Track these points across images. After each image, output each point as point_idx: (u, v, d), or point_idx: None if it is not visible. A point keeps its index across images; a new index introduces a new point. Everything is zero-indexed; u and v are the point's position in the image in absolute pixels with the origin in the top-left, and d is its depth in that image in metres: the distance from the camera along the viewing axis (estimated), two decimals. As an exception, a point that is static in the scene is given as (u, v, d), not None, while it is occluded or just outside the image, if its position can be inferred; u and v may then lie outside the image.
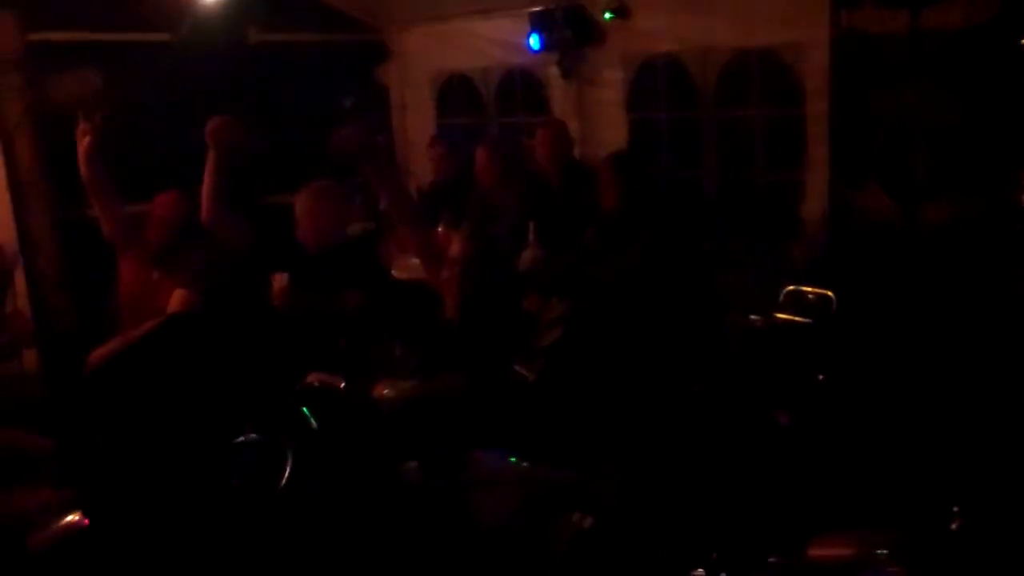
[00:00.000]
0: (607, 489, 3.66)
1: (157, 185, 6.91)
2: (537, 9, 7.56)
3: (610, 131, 7.42)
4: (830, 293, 5.28)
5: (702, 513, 3.67)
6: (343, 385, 3.91)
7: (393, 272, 6.69)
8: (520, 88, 8.36)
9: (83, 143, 5.96)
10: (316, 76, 8.76)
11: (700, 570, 3.22)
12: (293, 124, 8.38)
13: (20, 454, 4.69)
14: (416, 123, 9.23)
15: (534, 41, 7.39)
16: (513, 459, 4.08)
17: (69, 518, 4.11)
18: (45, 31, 7.88)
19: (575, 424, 4.37)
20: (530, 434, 4.28)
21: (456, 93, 8.90)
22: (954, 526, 3.00)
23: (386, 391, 4.83)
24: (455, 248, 5.27)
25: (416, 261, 6.45)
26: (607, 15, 7.27)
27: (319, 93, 8.74)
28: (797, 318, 5.29)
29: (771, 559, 3.19)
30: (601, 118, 7.26)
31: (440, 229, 6.62)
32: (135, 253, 6.25)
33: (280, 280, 5.70)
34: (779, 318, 5.37)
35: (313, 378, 4.09)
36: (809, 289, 5.39)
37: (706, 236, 5.82)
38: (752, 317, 5.40)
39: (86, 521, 4.08)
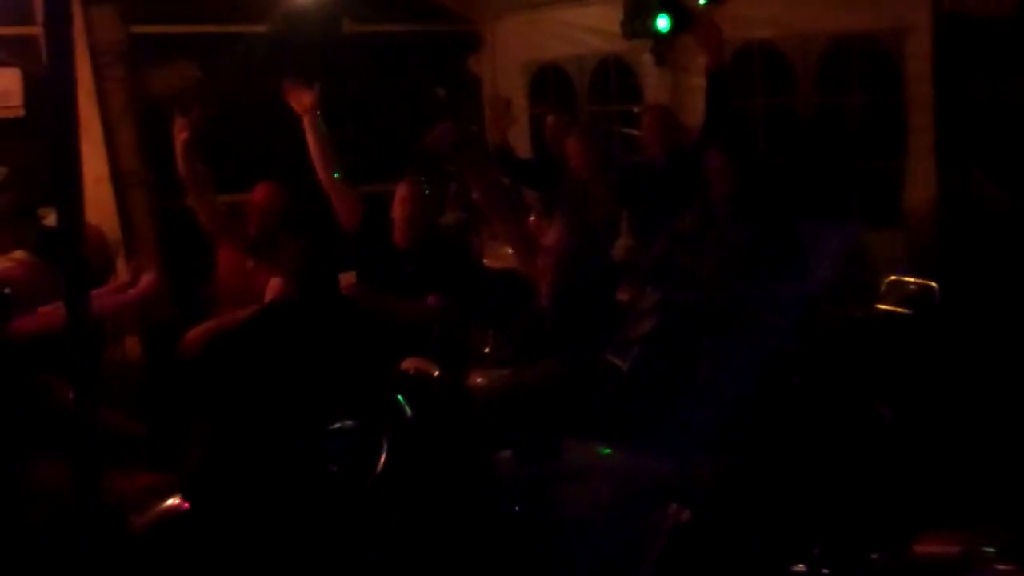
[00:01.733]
0: (703, 481, 3.61)
1: (253, 176, 7.01)
2: (632, -5, 7.48)
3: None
4: (933, 284, 5.13)
5: (802, 508, 3.60)
6: (437, 373, 3.91)
7: (486, 261, 6.70)
8: (614, 76, 8.29)
9: (180, 138, 6.05)
10: (409, 66, 8.80)
11: (801, 565, 3.16)
12: (386, 114, 8.43)
13: (116, 437, 4.78)
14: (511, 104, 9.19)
15: (664, 23, 7.27)
16: (606, 450, 4.05)
17: (169, 501, 4.19)
18: (146, 24, 8.02)
19: (669, 415, 4.31)
20: (623, 424, 4.24)
21: (548, 82, 8.86)
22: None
23: (479, 380, 4.84)
24: (550, 237, 5.24)
25: (510, 250, 6.45)
26: (702, 1, 7.16)
27: (412, 83, 8.77)
28: (899, 309, 5.15)
29: (874, 555, 3.11)
30: (696, 106, 7.13)
31: (532, 218, 6.61)
32: (231, 242, 6.34)
33: (347, 279, 5.77)
34: (880, 309, 5.24)
35: (408, 365, 4.10)
36: (911, 279, 5.24)
37: (804, 224, 5.70)
38: (852, 308, 5.29)
39: (185, 504, 4.15)
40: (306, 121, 5.97)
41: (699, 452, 3.93)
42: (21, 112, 7.96)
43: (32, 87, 7.85)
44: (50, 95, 2.73)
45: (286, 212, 6.20)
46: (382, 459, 3.51)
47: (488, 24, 9.18)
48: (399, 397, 3.73)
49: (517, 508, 3.69)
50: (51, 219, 6.75)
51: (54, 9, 2.72)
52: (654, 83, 7.78)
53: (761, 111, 7.29)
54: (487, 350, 5.60)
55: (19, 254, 5.85)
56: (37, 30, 7.56)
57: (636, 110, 7.79)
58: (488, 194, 5.51)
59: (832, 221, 6.09)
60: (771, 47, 7.10)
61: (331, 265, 5.36)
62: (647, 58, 7.71)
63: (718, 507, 3.47)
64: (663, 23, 7.32)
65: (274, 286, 5.77)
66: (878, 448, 4.12)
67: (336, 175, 5.96)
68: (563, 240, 5.06)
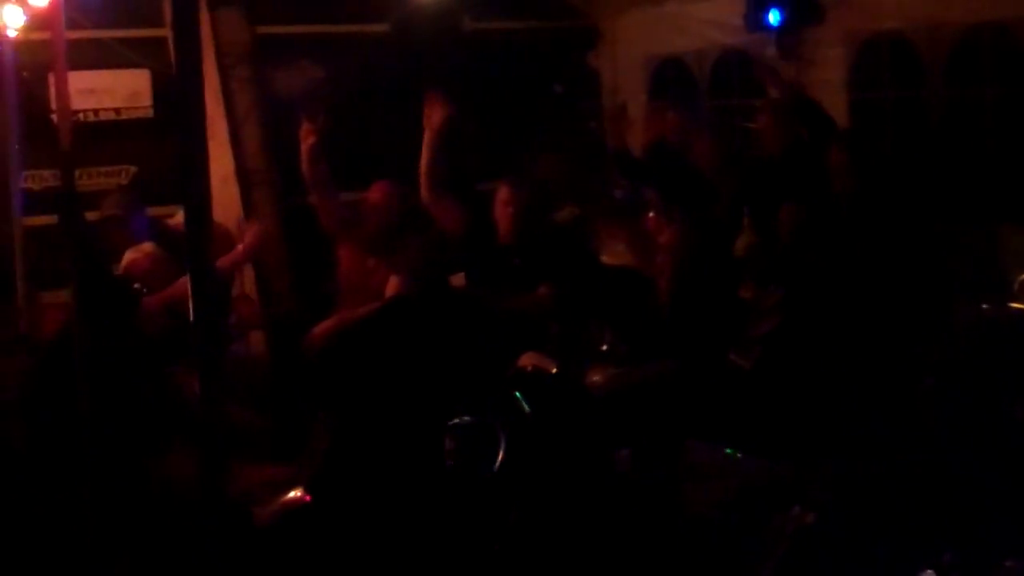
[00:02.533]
0: (827, 484, 3.53)
1: (377, 174, 7.08)
2: (754, -12, 7.36)
3: (832, 112, 7.15)
4: (1069, 281, 4.94)
5: (933, 512, 3.49)
6: (555, 370, 3.90)
7: (604, 258, 6.65)
8: (736, 70, 8.16)
9: (307, 143, 6.11)
10: (528, 63, 8.80)
11: (930, 571, 3.07)
12: (505, 111, 8.44)
13: (241, 431, 4.87)
14: (628, 108, 9.13)
15: (773, 16, 7.16)
16: (728, 450, 3.99)
17: (292, 494, 4.26)
18: (270, 25, 8.17)
19: (792, 416, 4.22)
20: (745, 425, 4.17)
21: (669, 77, 8.77)
22: None
23: (597, 377, 4.81)
24: (667, 235, 5.18)
25: (625, 246, 6.41)
26: (821, -8, 7.03)
27: (531, 80, 8.77)
28: (1033, 307, 4.97)
29: (1007, 563, 3.00)
30: (821, 99, 6.98)
31: (651, 215, 6.54)
32: (352, 240, 6.39)
33: (455, 280, 5.79)
34: (1014, 307, 5.06)
35: (526, 361, 4.10)
36: (1047, 277, 5.06)
37: (936, 220, 5.53)
38: (984, 306, 5.11)
39: (307, 497, 4.21)
40: (428, 135, 5.98)
41: (823, 454, 3.85)
42: (150, 113, 8.19)
43: (161, 88, 8.06)
44: (178, 96, 2.78)
45: (403, 210, 6.24)
46: (500, 455, 3.52)
47: (608, 19, 9.12)
48: (517, 394, 3.73)
49: (635, 508, 3.66)
50: (178, 218, 6.93)
51: (182, 11, 2.77)
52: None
53: (890, 104, 7.10)
54: (605, 347, 5.56)
55: (147, 246, 6.01)
56: (165, 32, 7.76)
57: (759, 105, 7.66)
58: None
59: (964, 217, 5.91)
60: (900, 38, 6.91)
61: (447, 263, 5.39)
62: (771, 51, 7.57)
63: (843, 511, 3.38)
64: (773, 17, 7.20)
65: (394, 283, 5.83)
66: (1012, 450, 3.97)
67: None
68: (680, 238, 5.00)
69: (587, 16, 9.15)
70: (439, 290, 5.34)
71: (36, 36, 6.84)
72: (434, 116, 5.93)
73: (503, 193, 5.91)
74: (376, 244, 6.13)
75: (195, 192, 2.76)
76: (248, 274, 7.77)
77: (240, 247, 5.80)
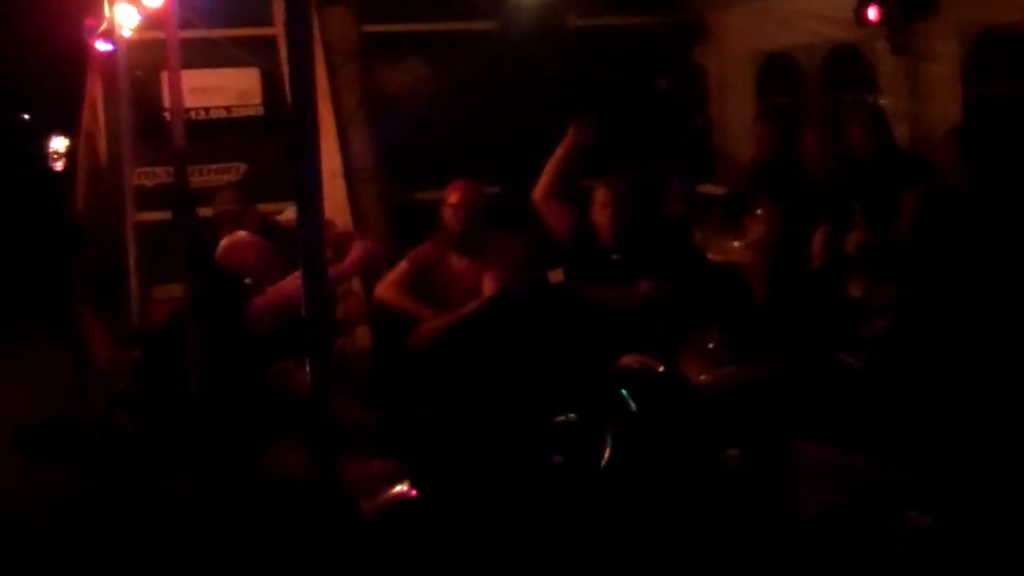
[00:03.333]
0: (944, 488, 3.44)
1: (478, 172, 7.10)
2: (865, -18, 7.21)
3: (944, 108, 6.96)
4: None
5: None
6: (662, 369, 3.87)
7: (710, 255, 6.58)
8: (846, 65, 8.01)
9: (568, 144, 6.03)
10: (633, 59, 8.75)
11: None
12: (610, 108, 8.41)
13: (349, 425, 4.92)
14: (734, 103, 9.02)
15: (871, 12, 7.01)
16: (836, 451, 3.91)
17: (397, 488, 4.29)
18: (377, 23, 8.25)
19: (904, 417, 4.12)
20: (856, 426, 4.08)
21: (777, 72, 8.64)
22: None
23: (702, 376, 4.75)
24: (756, 232, 5.12)
25: (734, 244, 6.33)
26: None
27: (636, 76, 8.72)
28: None
29: None
30: (934, 94, 6.83)
31: (760, 211, 6.46)
32: (441, 240, 6.37)
33: (554, 276, 5.76)
34: None
35: (629, 360, 4.08)
36: None
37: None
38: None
39: (413, 492, 4.24)
40: (565, 148, 5.97)
41: (936, 456, 3.76)
42: (260, 111, 8.33)
43: (270, 86, 8.19)
44: (291, 94, 2.82)
45: (482, 208, 6.23)
46: (606, 453, 3.50)
47: (714, 14, 9.02)
48: (624, 392, 3.71)
49: (743, 508, 3.61)
50: (288, 214, 7.03)
51: (294, 11, 2.81)
52: (890, 72, 7.47)
53: (1006, 99, 6.89)
54: (710, 346, 5.50)
55: (242, 234, 6.07)
56: (275, 31, 7.88)
57: (871, 100, 7.51)
58: None
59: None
60: (1018, 31, 6.71)
61: (545, 261, 5.39)
62: (883, 46, 7.41)
63: (961, 515, 3.29)
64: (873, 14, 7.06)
65: (490, 280, 5.85)
66: None
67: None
68: (769, 236, 4.93)
69: (693, 11, 9.05)
70: (539, 287, 5.35)
71: (148, 36, 7.02)
72: (580, 135, 5.93)
73: (600, 195, 5.89)
74: (462, 243, 6.16)
75: (307, 189, 2.80)
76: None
77: (348, 260, 5.85)
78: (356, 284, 7.65)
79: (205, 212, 6.58)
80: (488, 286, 5.91)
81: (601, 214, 5.85)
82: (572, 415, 3.68)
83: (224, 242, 5.70)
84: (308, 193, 2.80)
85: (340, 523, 2.95)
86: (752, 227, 5.41)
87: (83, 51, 8.95)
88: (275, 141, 8.04)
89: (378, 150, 8.13)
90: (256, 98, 8.30)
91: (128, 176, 7.43)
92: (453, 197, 6.14)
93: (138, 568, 4.73)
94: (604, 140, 6.20)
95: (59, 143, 20.28)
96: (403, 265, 6.26)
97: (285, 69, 7.86)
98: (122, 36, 7.08)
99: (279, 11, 7.77)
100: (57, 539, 5.12)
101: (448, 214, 6.14)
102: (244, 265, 5.54)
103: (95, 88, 8.56)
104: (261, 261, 5.59)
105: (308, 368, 2.82)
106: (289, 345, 5.53)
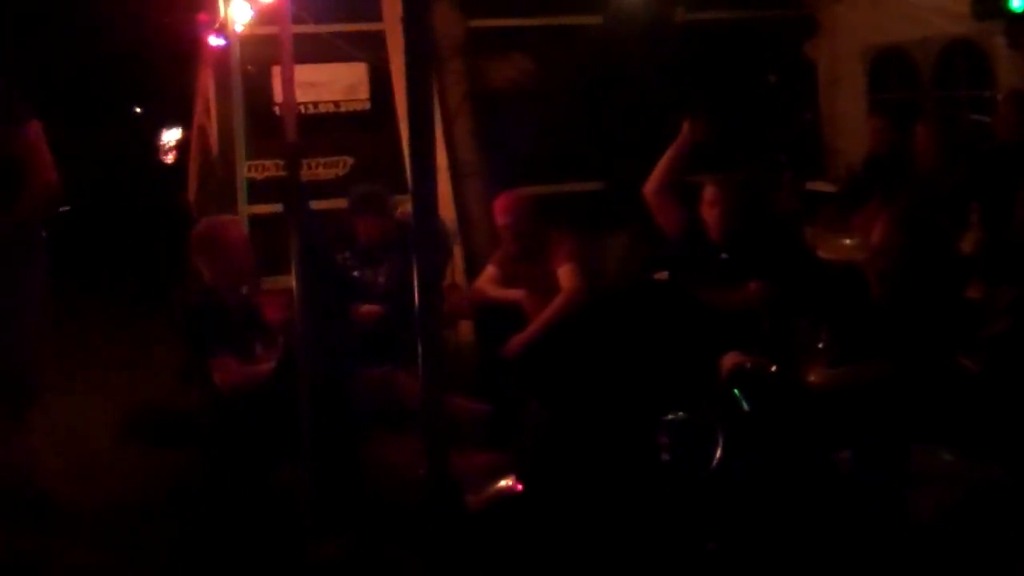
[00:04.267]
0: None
1: (580, 167, 7.11)
2: (983, -26, 7.03)
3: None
4: None
5: None
6: (774, 368, 3.81)
7: (822, 253, 6.48)
8: (961, 60, 7.82)
9: (682, 141, 6.01)
10: (742, 54, 8.65)
11: None
12: (719, 103, 8.33)
13: (458, 419, 4.94)
14: (845, 99, 8.88)
15: (1018, 2, 6.79)
16: (955, 455, 3.81)
17: (503, 482, 4.29)
18: (483, 18, 8.27)
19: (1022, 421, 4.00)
20: (974, 429, 3.97)
21: (890, 66, 8.47)
22: None
23: (813, 377, 4.66)
24: (877, 231, 5.00)
25: (847, 242, 6.21)
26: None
27: (745, 71, 8.62)
28: None
29: None
30: (1053, 90, 6.64)
31: (873, 209, 6.33)
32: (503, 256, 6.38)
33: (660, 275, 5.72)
34: None
35: (739, 359, 4.02)
36: None
37: None
38: None
39: (519, 486, 4.24)
40: (678, 145, 5.91)
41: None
42: (367, 105, 8.42)
43: (377, 81, 8.27)
44: (407, 89, 2.83)
45: (536, 215, 6.21)
46: (718, 453, 3.46)
47: (825, 8, 8.88)
48: (735, 391, 3.66)
49: (857, 512, 3.54)
50: (404, 208, 7.09)
51: (412, 7, 2.82)
52: (1008, 67, 7.27)
53: None
54: (820, 346, 5.40)
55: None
56: (383, 26, 7.95)
57: (988, 96, 7.32)
58: None
59: None
60: None
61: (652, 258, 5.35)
62: (1000, 40, 7.21)
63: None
64: (1017, 2, 6.82)
65: (566, 276, 5.85)
66: None
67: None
68: (888, 235, 4.81)
69: (803, 5, 8.93)
70: (646, 284, 5.31)
71: (259, 31, 7.14)
72: (694, 132, 5.87)
73: (709, 193, 5.81)
74: (525, 255, 6.16)
75: (423, 184, 2.81)
76: (458, 263, 7.90)
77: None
78: (460, 278, 7.70)
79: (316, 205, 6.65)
80: (565, 283, 5.90)
81: (710, 212, 5.79)
82: (682, 413, 3.64)
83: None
84: (423, 188, 2.80)
85: (447, 516, 2.96)
86: (868, 225, 5.28)
87: (196, 46, 9.16)
88: (381, 135, 8.12)
89: (483, 145, 8.15)
90: (363, 93, 8.40)
91: (239, 169, 7.55)
92: (500, 219, 6.17)
93: (245, 556, 4.81)
94: (715, 137, 6.13)
95: (170, 136, 20.75)
96: (491, 268, 6.31)
97: (392, 64, 7.99)
98: (234, 31, 7.20)
99: (387, 7, 7.85)
100: (169, 525, 5.22)
101: (502, 234, 6.18)
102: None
103: (207, 83, 8.75)
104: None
105: (419, 369, 2.81)
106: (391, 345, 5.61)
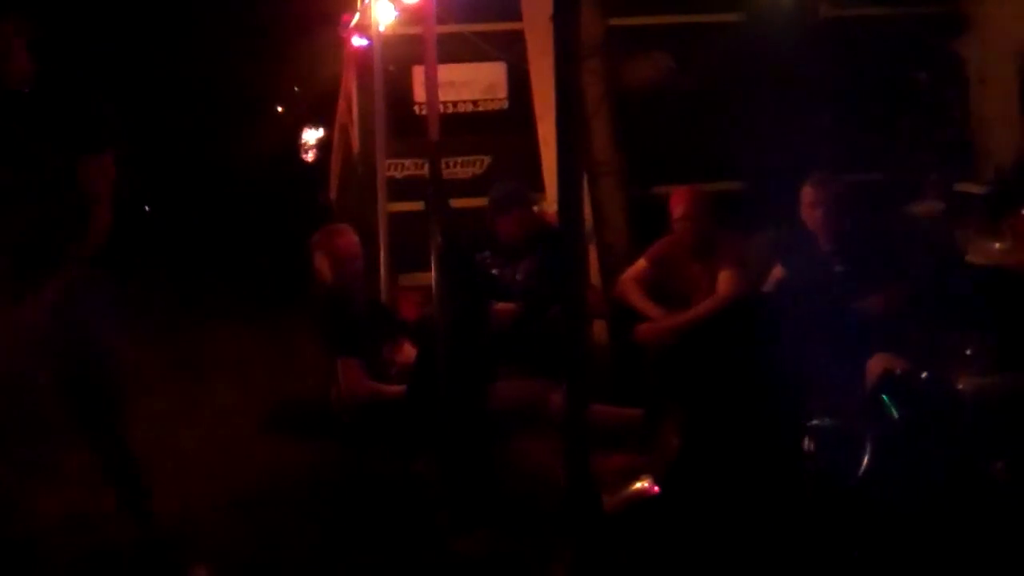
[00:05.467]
0: None
1: (719, 167, 6.97)
2: None
3: None
4: None
5: None
6: (925, 375, 3.71)
7: (969, 256, 6.29)
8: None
9: None
10: (889, 51, 8.43)
11: None
12: (865, 101, 8.15)
13: (613, 427, 4.94)
14: (995, 98, 8.57)
15: None
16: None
17: (640, 484, 4.27)
18: (622, 16, 8.23)
19: None
20: None
21: (1045, 66, 8.17)
22: None
23: (961, 385, 4.54)
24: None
25: (996, 246, 6.02)
26: None
27: (892, 69, 8.40)
28: None
29: None
30: None
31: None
32: (671, 249, 6.33)
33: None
34: None
35: (890, 364, 3.94)
36: None
37: None
38: None
39: (655, 488, 4.21)
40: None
41: None
42: (505, 104, 8.45)
43: (515, 80, 8.30)
44: (556, 89, 2.83)
45: (713, 211, 6.14)
46: (866, 462, 3.38)
47: (976, 4, 8.59)
48: (884, 397, 3.57)
49: (1012, 521, 3.42)
50: (545, 206, 7.11)
51: (562, 6, 2.82)
52: None
53: None
54: (969, 352, 5.24)
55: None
56: (522, 25, 7.97)
57: None
58: None
59: None
60: None
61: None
62: None
63: None
64: None
65: (726, 280, 5.79)
66: None
67: None
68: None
69: (953, 1, 8.66)
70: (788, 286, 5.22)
71: (400, 31, 7.23)
72: None
73: (807, 194, 5.67)
74: (694, 250, 6.09)
75: (569, 183, 2.81)
76: (593, 263, 7.88)
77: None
78: (595, 278, 7.68)
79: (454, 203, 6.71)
80: (723, 287, 5.85)
81: (810, 214, 5.64)
82: (828, 419, 3.57)
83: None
84: (570, 186, 2.81)
85: (585, 516, 2.96)
86: (1019, 228, 5.11)
87: (339, 47, 9.32)
88: (518, 135, 8.14)
89: (620, 144, 8.11)
90: (502, 92, 8.43)
91: (380, 167, 7.66)
92: (678, 210, 6.10)
93: (381, 549, 4.88)
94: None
95: (311, 135, 21.16)
96: (641, 263, 6.29)
97: (531, 63, 8.02)
98: (377, 32, 7.31)
99: (527, 6, 7.87)
100: (307, 517, 5.32)
101: (677, 226, 6.11)
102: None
103: (350, 82, 8.89)
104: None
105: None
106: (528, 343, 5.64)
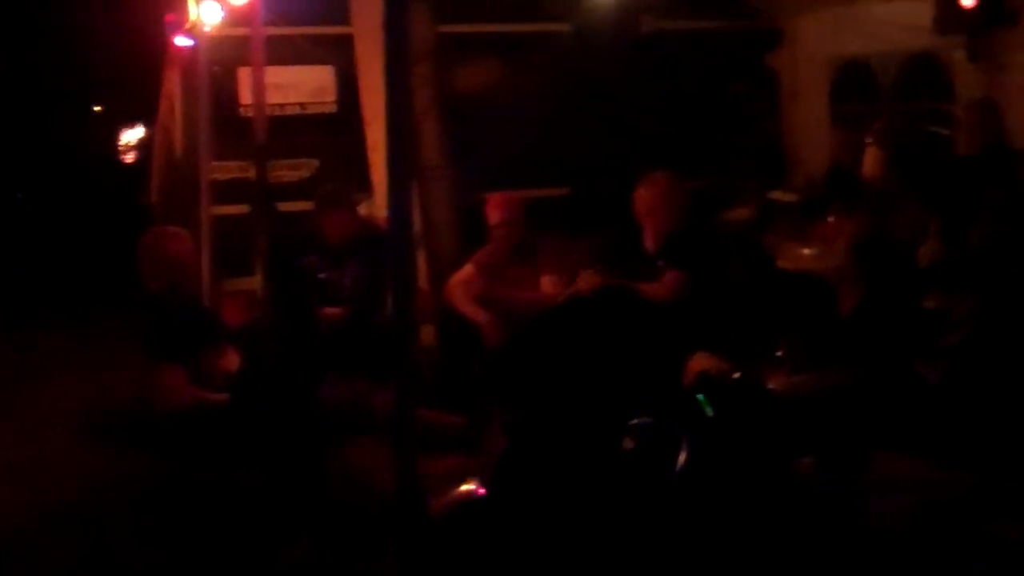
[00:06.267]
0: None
1: (548, 174, 7.12)
2: (944, -11, 7.15)
3: (1022, 116, 6.89)
4: None
5: None
6: (738, 375, 3.86)
7: (780, 262, 6.55)
8: (922, 73, 7.94)
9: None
10: (708, 63, 8.73)
11: None
12: (685, 111, 8.41)
13: (431, 431, 4.95)
14: (807, 110, 8.98)
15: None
16: (914, 462, 3.88)
17: (466, 487, 4.31)
18: (453, 23, 8.29)
19: (985, 429, 4.08)
20: (932, 437, 4.04)
21: (851, 79, 8.58)
22: None
23: (772, 384, 4.73)
24: (839, 246, 5.07)
25: (805, 252, 6.28)
26: (1027, -6, 6.75)
27: (711, 80, 8.70)
28: None
29: None
30: (1013, 104, 6.75)
31: (831, 219, 6.41)
32: (488, 256, 6.42)
33: None
34: None
35: (700, 363, 4.07)
36: None
37: None
38: None
39: (481, 491, 4.26)
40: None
41: (1018, 468, 3.72)
42: (333, 108, 8.41)
43: (344, 84, 8.26)
44: (386, 92, 2.84)
45: (523, 217, 6.27)
46: (683, 458, 3.50)
47: (790, 20, 8.98)
48: (700, 396, 3.70)
49: (816, 517, 3.59)
50: (374, 210, 7.10)
51: (392, 11, 2.84)
52: (967, 80, 7.40)
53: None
54: (779, 353, 5.47)
55: None
56: (351, 29, 7.95)
57: (946, 109, 7.45)
58: None
59: None
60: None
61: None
62: (960, 55, 7.33)
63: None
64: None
65: (547, 284, 5.91)
66: None
67: None
68: (848, 251, 4.89)
69: (768, 16, 9.02)
70: (613, 289, 5.35)
71: (226, 32, 7.11)
72: None
73: (639, 195, 5.84)
74: (515, 255, 6.20)
75: (398, 186, 2.82)
76: (421, 267, 7.90)
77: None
78: (424, 282, 7.70)
79: (282, 207, 6.64)
80: (546, 290, 5.96)
81: (641, 215, 5.80)
82: (647, 418, 3.68)
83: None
84: (399, 191, 2.82)
85: (411, 520, 2.97)
86: (831, 234, 5.36)
87: (161, 46, 9.10)
88: (347, 138, 8.11)
89: (450, 150, 8.17)
90: (330, 96, 8.39)
91: (204, 169, 7.52)
92: (495, 216, 6.20)
93: (206, 560, 4.79)
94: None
95: (131, 135, 20.58)
96: (469, 268, 6.35)
97: (359, 67, 7.99)
98: (203, 32, 7.17)
99: (356, 10, 7.85)
100: (131, 527, 5.19)
101: (495, 232, 6.20)
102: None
103: (173, 83, 8.70)
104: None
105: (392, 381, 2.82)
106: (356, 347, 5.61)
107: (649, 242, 5.80)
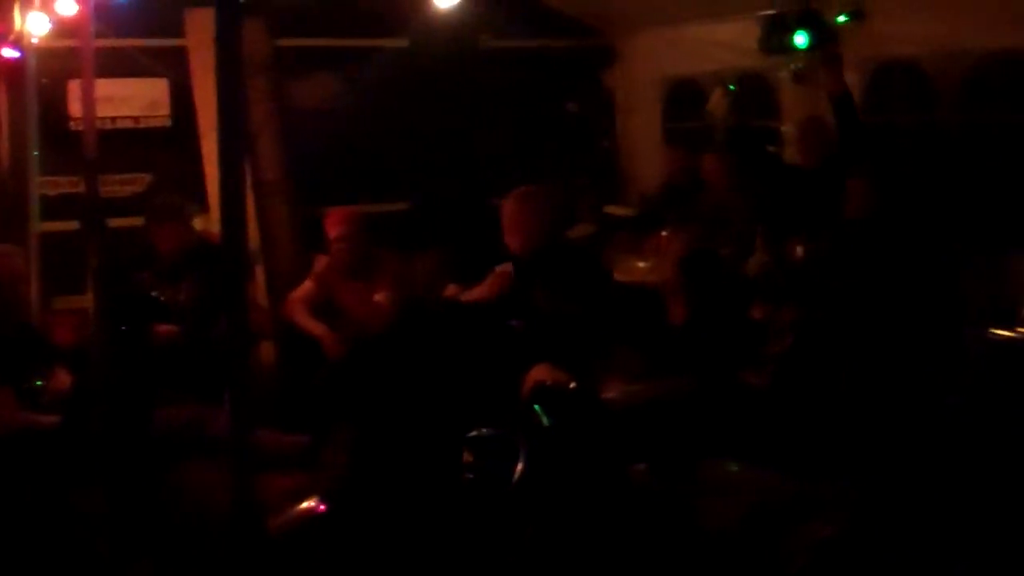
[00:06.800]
0: (844, 500, 3.57)
1: (391, 187, 7.12)
2: (770, 12, 7.41)
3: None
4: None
5: (955, 528, 3.52)
6: (574, 385, 3.94)
7: (616, 275, 6.70)
8: (750, 93, 8.23)
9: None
10: (543, 81, 8.88)
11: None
12: (520, 128, 8.53)
13: (272, 451, 4.90)
14: (640, 127, 9.21)
15: (802, 40, 7.13)
16: (741, 466, 4.02)
17: (306, 504, 4.28)
18: (290, 37, 8.24)
19: (806, 433, 4.26)
20: (759, 442, 4.21)
21: (684, 97, 8.84)
22: None
23: (609, 393, 4.84)
24: (669, 260, 5.23)
25: (640, 264, 6.45)
26: (842, 18, 7.05)
27: (546, 98, 8.85)
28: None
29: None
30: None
31: (665, 233, 6.60)
32: (332, 270, 6.43)
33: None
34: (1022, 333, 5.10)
35: (540, 374, 4.14)
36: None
37: (948, 244, 5.57)
38: (995, 331, 5.15)
39: (322, 507, 4.24)
40: None
41: (837, 470, 3.89)
42: (167, 122, 8.25)
43: (178, 97, 8.13)
44: (218, 105, 2.82)
45: (365, 232, 6.29)
46: (519, 468, 3.55)
47: (623, 39, 9.19)
48: (536, 407, 3.76)
49: (650, 522, 3.69)
50: (209, 225, 6.98)
51: (224, 24, 2.82)
52: (792, 100, 7.70)
53: (902, 130, 7.15)
54: (616, 363, 5.60)
55: None
56: (185, 42, 7.83)
57: (774, 127, 7.75)
58: None
59: (975, 243, 5.94)
60: (913, 64, 6.97)
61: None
62: (786, 75, 7.63)
63: (862, 525, 3.42)
64: (801, 40, 7.21)
65: (382, 300, 5.93)
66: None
67: None
68: (676, 265, 5.05)
69: (602, 35, 9.22)
70: (451, 303, 5.39)
71: (55, 44, 6.91)
72: None
73: (510, 206, 5.92)
74: (352, 270, 6.22)
75: (231, 200, 2.80)
76: (260, 283, 7.82)
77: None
78: (263, 298, 7.63)
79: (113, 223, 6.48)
80: (383, 304, 5.97)
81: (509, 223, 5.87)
82: (486, 430, 3.72)
83: None
84: (232, 205, 2.80)
85: (247, 540, 2.94)
86: (664, 248, 5.53)
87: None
88: (181, 152, 7.98)
89: (287, 164, 8.12)
90: (164, 109, 8.23)
91: (32, 184, 7.30)
92: (334, 231, 6.20)
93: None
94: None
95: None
96: (308, 283, 6.32)
97: (194, 81, 7.87)
98: (30, 43, 6.96)
99: (190, 23, 7.74)
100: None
101: (334, 247, 6.20)
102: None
103: (-1, 95, 8.39)
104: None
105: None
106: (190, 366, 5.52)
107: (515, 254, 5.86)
